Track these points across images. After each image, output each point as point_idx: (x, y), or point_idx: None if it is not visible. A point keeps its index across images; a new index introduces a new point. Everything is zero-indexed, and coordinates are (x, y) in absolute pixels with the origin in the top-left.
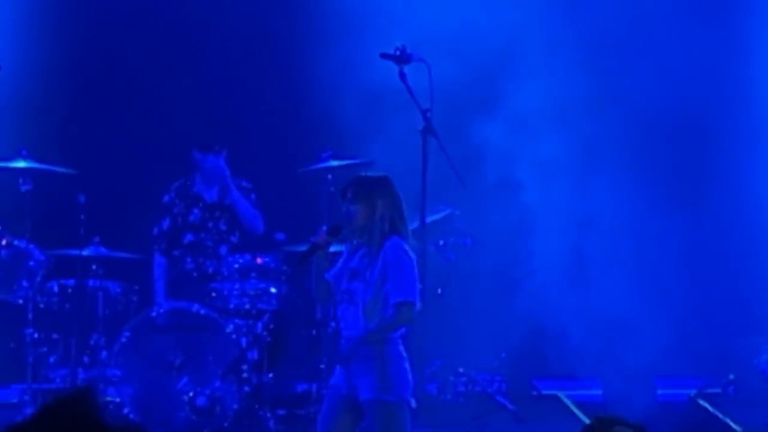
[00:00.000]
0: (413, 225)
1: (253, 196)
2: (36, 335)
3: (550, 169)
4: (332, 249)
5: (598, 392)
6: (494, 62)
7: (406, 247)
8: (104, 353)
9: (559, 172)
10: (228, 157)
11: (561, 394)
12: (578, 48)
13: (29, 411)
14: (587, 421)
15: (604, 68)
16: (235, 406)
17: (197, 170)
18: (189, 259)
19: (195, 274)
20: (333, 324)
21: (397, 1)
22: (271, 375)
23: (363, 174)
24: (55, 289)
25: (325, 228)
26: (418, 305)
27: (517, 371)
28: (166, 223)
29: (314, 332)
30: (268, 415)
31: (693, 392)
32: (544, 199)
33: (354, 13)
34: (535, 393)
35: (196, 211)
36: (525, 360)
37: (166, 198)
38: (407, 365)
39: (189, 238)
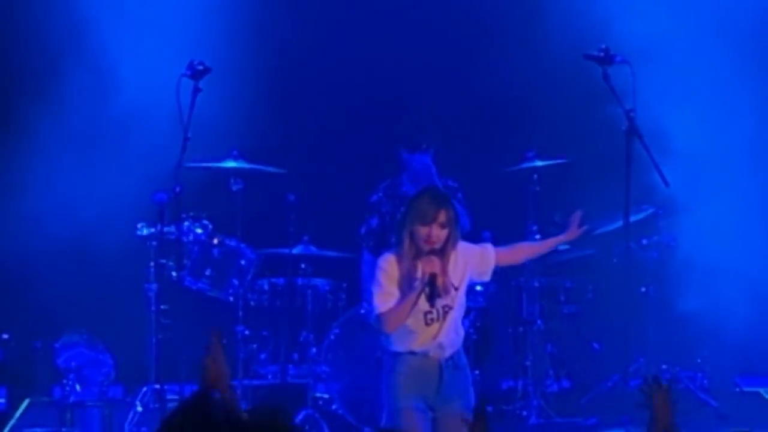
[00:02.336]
0: (617, 224)
1: (459, 195)
2: (247, 332)
3: (747, 169)
4: None
5: None
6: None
7: None
8: (313, 350)
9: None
10: (434, 156)
11: (763, 391)
12: None
13: (241, 406)
14: None
15: None
16: None
17: (405, 170)
18: None
19: None
20: (539, 322)
21: (600, 2)
22: (477, 372)
23: (442, 193)
24: (266, 287)
25: (433, 256)
26: None
27: (720, 368)
28: (374, 222)
29: (520, 330)
30: None
31: None
32: (740, 197)
33: (559, 13)
34: (737, 390)
35: (403, 209)
36: (727, 357)
37: (374, 197)
38: None
39: None
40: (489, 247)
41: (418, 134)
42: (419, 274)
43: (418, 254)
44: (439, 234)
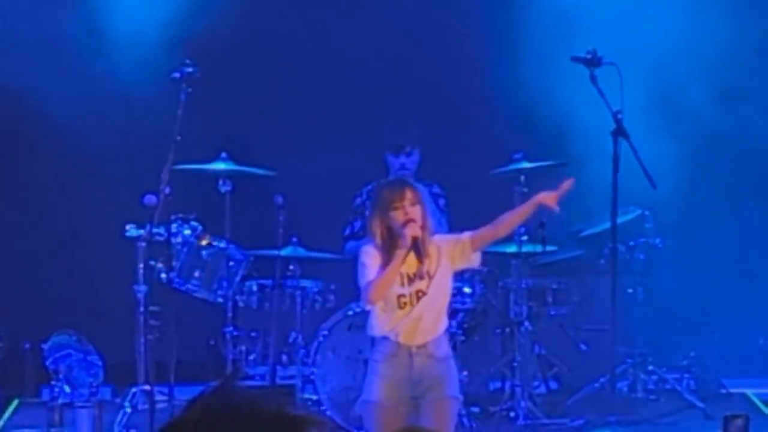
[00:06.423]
0: (604, 226)
1: (442, 201)
2: (235, 333)
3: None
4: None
5: None
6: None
7: None
8: (302, 351)
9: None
10: (419, 157)
11: (750, 392)
12: None
13: None
14: None
15: None
16: None
17: (390, 173)
18: None
19: None
20: (526, 323)
21: (589, 4)
22: (465, 373)
23: (399, 178)
24: (254, 288)
25: (415, 222)
26: None
27: (706, 369)
28: (357, 225)
29: (508, 331)
30: (463, 412)
31: None
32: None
33: (547, 15)
34: (723, 391)
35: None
36: (714, 358)
37: (357, 200)
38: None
39: None
40: (464, 233)
41: (404, 136)
42: (405, 242)
43: (394, 244)
44: (413, 211)
